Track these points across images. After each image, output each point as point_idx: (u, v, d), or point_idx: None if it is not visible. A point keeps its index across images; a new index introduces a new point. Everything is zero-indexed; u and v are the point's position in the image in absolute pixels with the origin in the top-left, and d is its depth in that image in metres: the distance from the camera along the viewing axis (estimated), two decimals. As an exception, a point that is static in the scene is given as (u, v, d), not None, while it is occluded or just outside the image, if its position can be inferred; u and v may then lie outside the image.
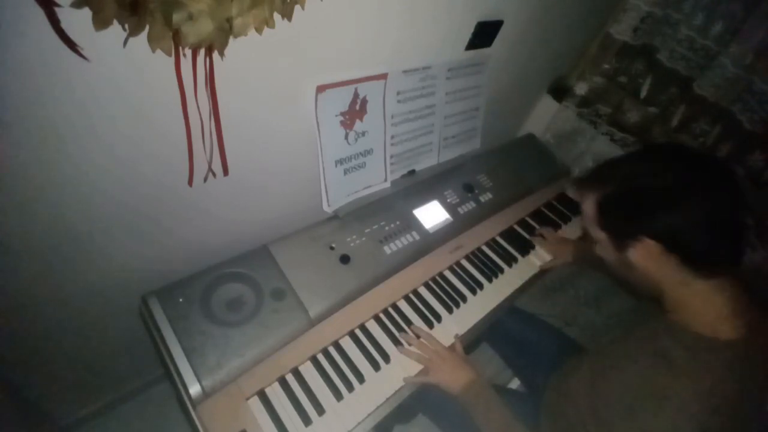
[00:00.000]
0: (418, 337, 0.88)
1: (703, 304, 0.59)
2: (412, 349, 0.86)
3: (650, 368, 0.60)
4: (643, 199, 0.58)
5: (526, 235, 1.20)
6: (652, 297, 0.66)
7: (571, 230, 1.27)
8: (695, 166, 0.58)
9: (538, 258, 1.15)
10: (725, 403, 0.54)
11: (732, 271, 0.60)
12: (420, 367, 0.85)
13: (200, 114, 0.65)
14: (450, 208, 1.11)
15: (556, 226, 1.26)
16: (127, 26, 0.48)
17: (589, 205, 0.65)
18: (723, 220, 0.56)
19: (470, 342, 0.95)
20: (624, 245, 0.62)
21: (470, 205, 1.14)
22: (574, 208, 1.34)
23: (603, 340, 0.76)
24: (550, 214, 1.30)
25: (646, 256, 0.60)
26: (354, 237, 0.95)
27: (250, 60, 0.65)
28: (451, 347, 0.89)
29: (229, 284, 0.80)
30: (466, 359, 0.85)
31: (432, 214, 1.07)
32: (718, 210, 0.56)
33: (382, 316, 0.92)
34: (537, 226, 1.23)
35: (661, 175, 0.58)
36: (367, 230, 0.97)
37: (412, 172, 1.11)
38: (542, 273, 1.13)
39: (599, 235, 0.66)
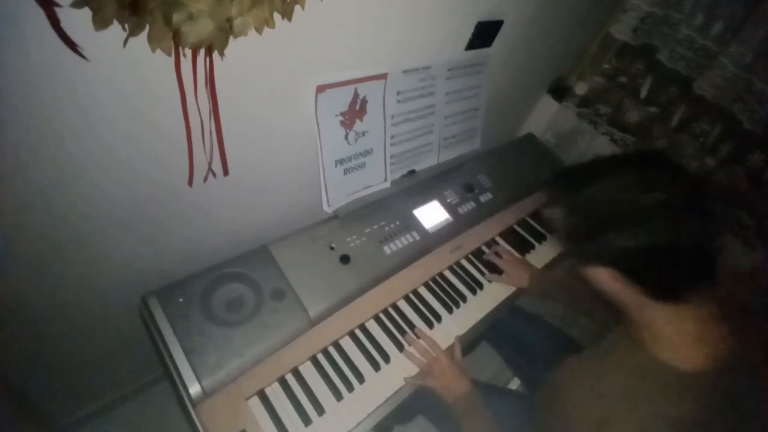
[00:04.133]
0: (418, 338, 0.88)
1: (666, 331, 0.53)
2: (415, 353, 0.87)
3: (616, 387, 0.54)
4: (596, 220, 0.52)
5: (527, 235, 1.20)
6: (618, 321, 0.60)
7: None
8: (655, 184, 0.50)
9: (539, 258, 1.13)
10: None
11: (704, 296, 0.53)
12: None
13: (200, 114, 0.65)
14: (450, 208, 1.10)
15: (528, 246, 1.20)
16: (127, 26, 0.48)
17: (550, 213, 0.59)
18: (682, 247, 0.49)
19: (470, 341, 0.95)
20: (582, 264, 0.56)
21: (470, 205, 1.14)
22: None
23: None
24: (550, 214, 1.30)
25: (600, 278, 0.55)
26: (354, 237, 0.95)
27: (250, 60, 0.65)
28: (451, 352, 0.89)
29: (229, 284, 0.80)
30: (463, 370, 0.85)
31: (432, 214, 1.07)
32: (677, 237, 0.48)
33: (382, 316, 0.92)
34: (537, 226, 1.23)
35: (617, 193, 0.51)
36: (367, 230, 0.97)
37: (412, 172, 1.11)
38: None
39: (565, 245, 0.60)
